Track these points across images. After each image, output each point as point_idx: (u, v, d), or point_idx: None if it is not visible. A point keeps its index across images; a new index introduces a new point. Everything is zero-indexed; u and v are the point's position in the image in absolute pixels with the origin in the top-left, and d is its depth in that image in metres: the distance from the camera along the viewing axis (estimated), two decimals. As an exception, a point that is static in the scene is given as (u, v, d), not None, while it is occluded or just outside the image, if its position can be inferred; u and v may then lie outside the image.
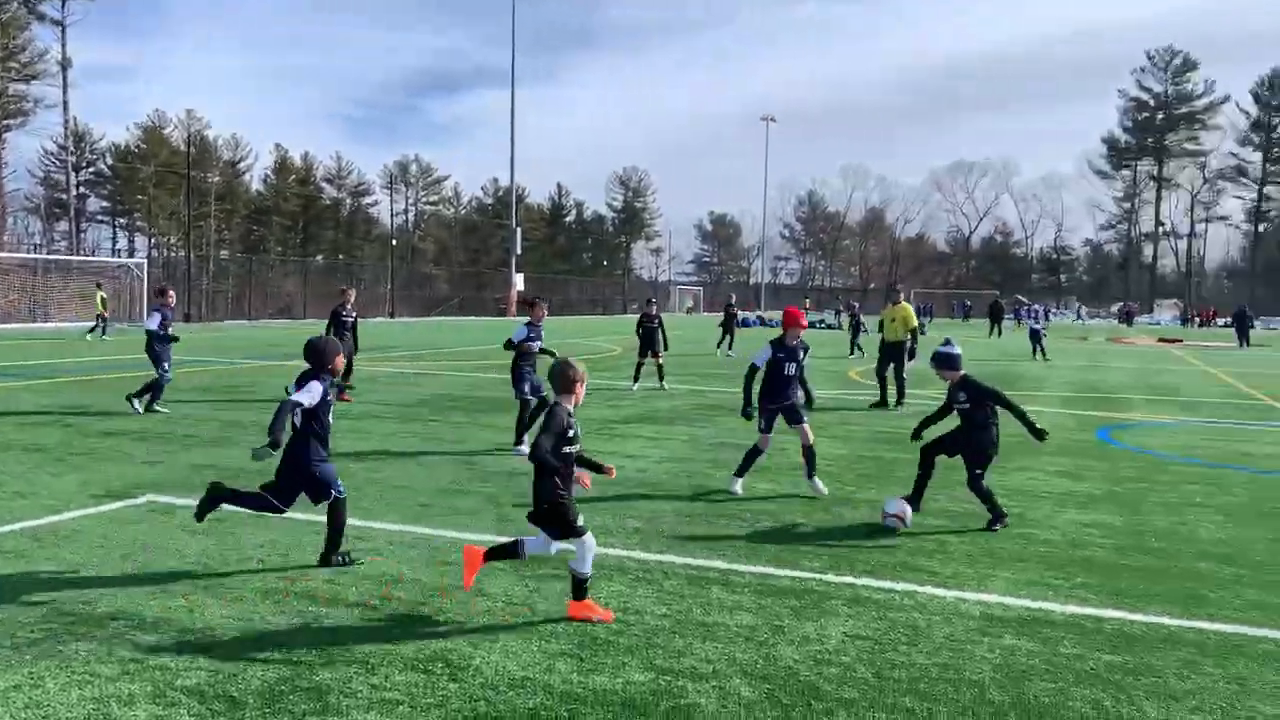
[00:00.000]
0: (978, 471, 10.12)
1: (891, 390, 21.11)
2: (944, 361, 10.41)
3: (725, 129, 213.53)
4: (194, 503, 10.04)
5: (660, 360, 24.04)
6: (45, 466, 12.03)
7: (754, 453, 11.38)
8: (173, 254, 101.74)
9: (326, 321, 20.37)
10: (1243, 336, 57.55)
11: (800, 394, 11.44)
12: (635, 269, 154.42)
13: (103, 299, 44.58)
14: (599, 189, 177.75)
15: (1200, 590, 8.26)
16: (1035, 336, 38.94)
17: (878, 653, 6.63)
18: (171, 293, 18.31)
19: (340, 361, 8.13)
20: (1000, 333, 62.76)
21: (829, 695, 5.95)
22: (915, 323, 21.29)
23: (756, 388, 11.22)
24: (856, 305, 42.89)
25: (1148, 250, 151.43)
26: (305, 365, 8.08)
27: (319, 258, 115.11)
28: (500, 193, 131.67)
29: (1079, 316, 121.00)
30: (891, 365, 21.15)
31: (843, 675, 6.24)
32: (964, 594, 7.96)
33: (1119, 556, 9.21)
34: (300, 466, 7.91)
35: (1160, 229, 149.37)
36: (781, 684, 6.08)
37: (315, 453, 7.95)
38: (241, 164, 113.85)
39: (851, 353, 37.98)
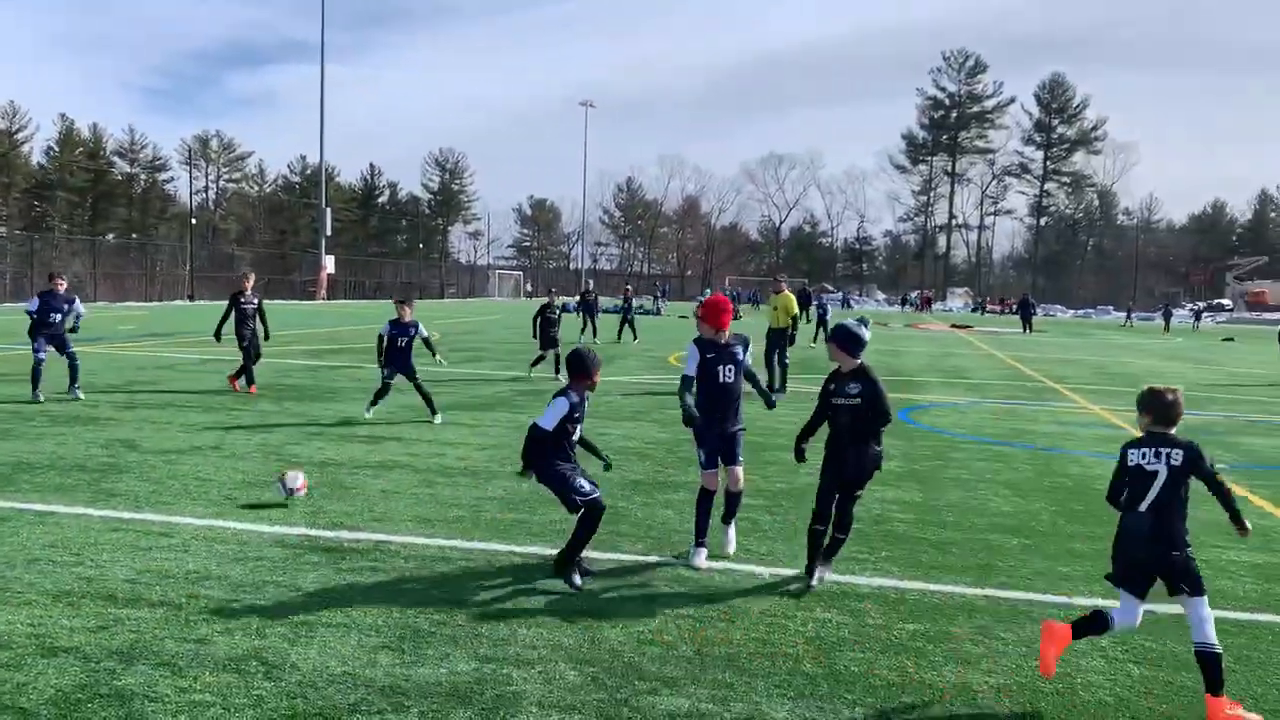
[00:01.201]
0: (859, 494, 8.02)
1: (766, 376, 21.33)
2: (847, 340, 7.90)
3: (545, 113, 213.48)
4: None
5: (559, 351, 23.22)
6: None
7: (705, 500, 8.59)
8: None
9: (225, 308, 19.46)
10: (1026, 323, 62.46)
11: (741, 415, 8.69)
12: (454, 252, 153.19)
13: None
14: (414, 170, 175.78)
15: (992, 560, 8.81)
16: (823, 320, 40.58)
17: (698, 630, 6.81)
18: None
19: (598, 377, 8.18)
20: (808, 319, 64.79)
21: (651, 674, 6.07)
22: (796, 310, 21.88)
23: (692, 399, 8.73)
24: (590, 284, 43.37)
25: (941, 241, 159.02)
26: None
27: (110, 236, 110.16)
28: (309, 171, 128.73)
29: (885, 303, 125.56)
30: (775, 352, 21.55)
31: (665, 654, 6.38)
32: (780, 570, 8.22)
33: (919, 530, 9.74)
34: (551, 478, 7.83)
35: (953, 221, 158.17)
36: (606, 666, 6.16)
37: (560, 463, 7.85)
38: (20, 134, 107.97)
39: (619, 336, 38.03)
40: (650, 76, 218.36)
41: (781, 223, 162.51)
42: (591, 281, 48.98)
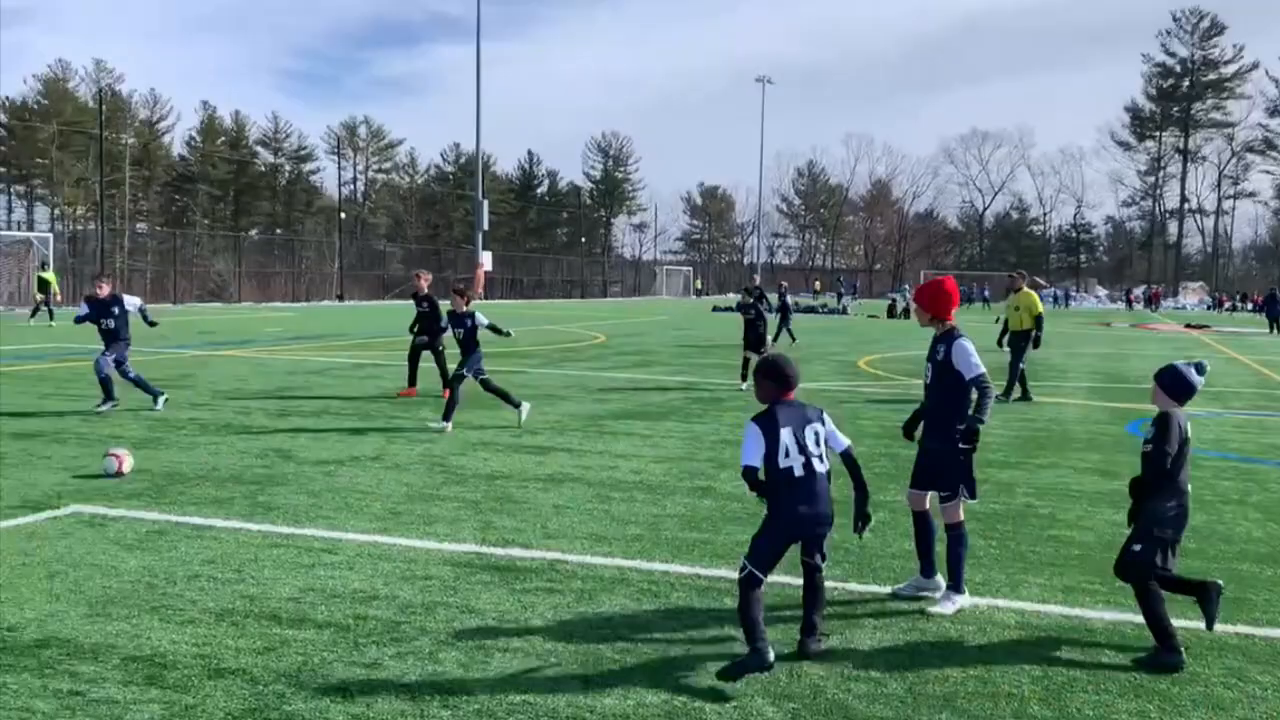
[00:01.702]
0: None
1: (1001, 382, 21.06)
2: (1176, 385, 7.22)
3: (716, 91, 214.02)
4: (129, 513, 10.09)
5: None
6: None
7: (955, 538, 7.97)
8: (81, 227, 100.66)
9: (415, 317, 20.50)
10: (1274, 321, 58.92)
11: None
12: (617, 247, 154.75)
13: (41, 279, 44.37)
14: (575, 158, 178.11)
15: (1243, 593, 8.47)
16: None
17: (909, 667, 6.73)
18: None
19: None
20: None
21: (859, 714, 6.02)
22: (1041, 309, 21.40)
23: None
24: (784, 285, 43.17)
25: (1172, 228, 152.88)
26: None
27: (253, 232, 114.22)
28: (463, 160, 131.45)
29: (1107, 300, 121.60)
30: (1016, 358, 21.34)
31: (873, 692, 6.33)
32: (997, 602, 8.08)
33: (1168, 559, 9.34)
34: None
35: (1185, 206, 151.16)
36: (807, 703, 6.14)
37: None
38: (160, 124, 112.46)
39: (775, 338, 37.70)
40: (834, 46, 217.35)
41: (985, 208, 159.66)
42: (785, 283, 48.42)
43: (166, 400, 17.49)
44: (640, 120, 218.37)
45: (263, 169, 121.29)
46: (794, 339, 37.67)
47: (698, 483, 12.08)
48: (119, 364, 17.43)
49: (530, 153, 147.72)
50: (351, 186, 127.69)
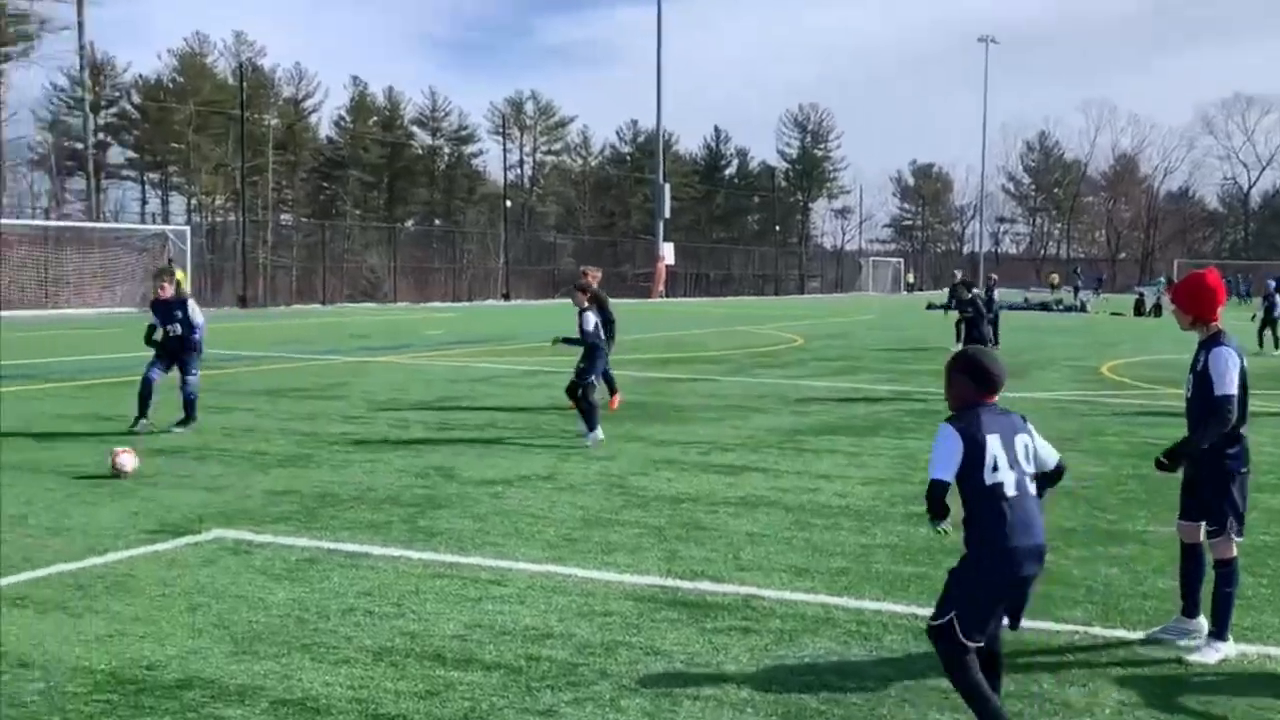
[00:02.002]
0: None
1: None
2: None
3: (930, 54, 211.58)
4: (277, 539, 10.40)
5: None
6: (82, 494, 12.42)
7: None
8: (220, 219, 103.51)
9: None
10: None
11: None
12: (816, 235, 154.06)
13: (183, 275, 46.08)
14: (767, 134, 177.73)
15: None
16: (1272, 319, 37.22)
17: (1171, 729, 6.55)
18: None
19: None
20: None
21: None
22: None
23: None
24: (994, 278, 41.64)
25: None
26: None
27: (409, 223, 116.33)
28: (642, 139, 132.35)
29: None
30: None
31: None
32: (1269, 650, 7.85)
33: None
34: None
35: None
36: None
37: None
38: (307, 102, 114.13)
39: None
40: (1067, 3, 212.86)
41: (1251, 186, 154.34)
42: (995, 276, 47.28)
43: (186, 429, 17.11)
44: (842, 91, 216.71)
45: (419, 152, 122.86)
46: (997, 342, 37.14)
47: (912, 508, 11.94)
48: (186, 374, 17.38)
49: (717, 129, 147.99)
50: (518, 170, 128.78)
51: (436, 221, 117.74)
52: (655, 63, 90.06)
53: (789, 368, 28.49)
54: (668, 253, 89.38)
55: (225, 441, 16.04)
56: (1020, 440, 6.08)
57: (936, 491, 5.96)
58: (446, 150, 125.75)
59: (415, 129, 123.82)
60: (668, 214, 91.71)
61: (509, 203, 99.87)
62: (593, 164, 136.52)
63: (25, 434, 16.53)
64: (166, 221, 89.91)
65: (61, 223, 76.17)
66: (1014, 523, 5.86)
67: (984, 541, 5.91)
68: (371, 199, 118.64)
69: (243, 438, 16.38)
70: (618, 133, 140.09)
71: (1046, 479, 6.26)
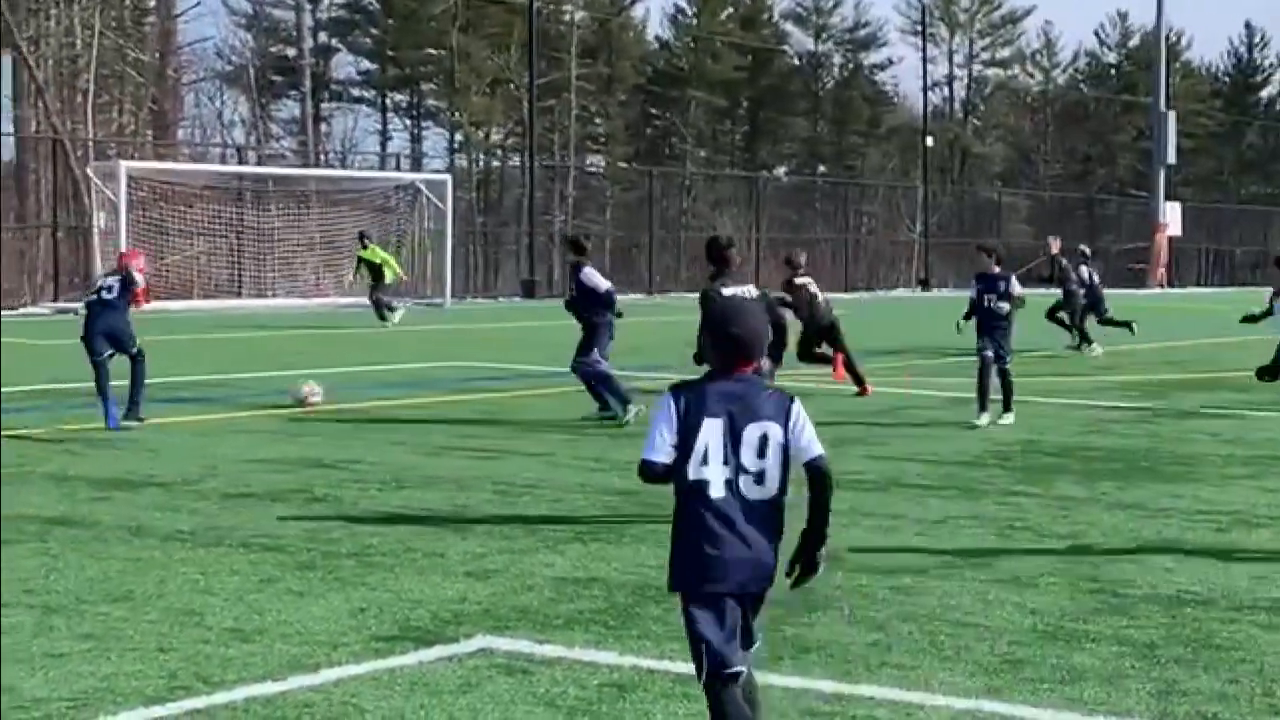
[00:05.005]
0: None
1: None
2: None
3: None
4: (572, 652, 10.59)
5: None
6: (284, 579, 12.78)
7: None
8: (497, 163, 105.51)
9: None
10: None
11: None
12: None
13: (381, 257, 47.41)
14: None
15: None
16: None
17: None
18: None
19: None
20: None
21: None
22: None
23: None
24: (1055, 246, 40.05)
25: None
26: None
27: (780, 170, 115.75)
28: (1133, 43, 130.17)
29: None
30: None
31: None
32: None
33: None
34: None
35: None
36: None
37: None
38: None
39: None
40: None
41: None
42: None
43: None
44: None
45: (795, 62, 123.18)
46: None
47: None
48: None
49: (1248, 27, 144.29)
50: (944, 91, 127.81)
51: (821, 169, 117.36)
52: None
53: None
54: (1172, 218, 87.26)
55: (495, 500, 16.61)
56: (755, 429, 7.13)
57: (644, 475, 7.31)
58: (836, 60, 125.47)
59: (790, 27, 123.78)
60: (1172, 158, 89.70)
61: (931, 140, 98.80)
62: (1059, 81, 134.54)
63: (200, 487, 17.41)
64: (418, 167, 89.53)
65: (264, 169, 78.75)
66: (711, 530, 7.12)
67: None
68: (722, 134, 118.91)
69: (522, 496, 16.87)
70: (1096, 33, 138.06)
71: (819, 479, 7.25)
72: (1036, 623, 11.46)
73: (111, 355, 22.88)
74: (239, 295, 60.71)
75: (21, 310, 59.41)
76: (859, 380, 27.63)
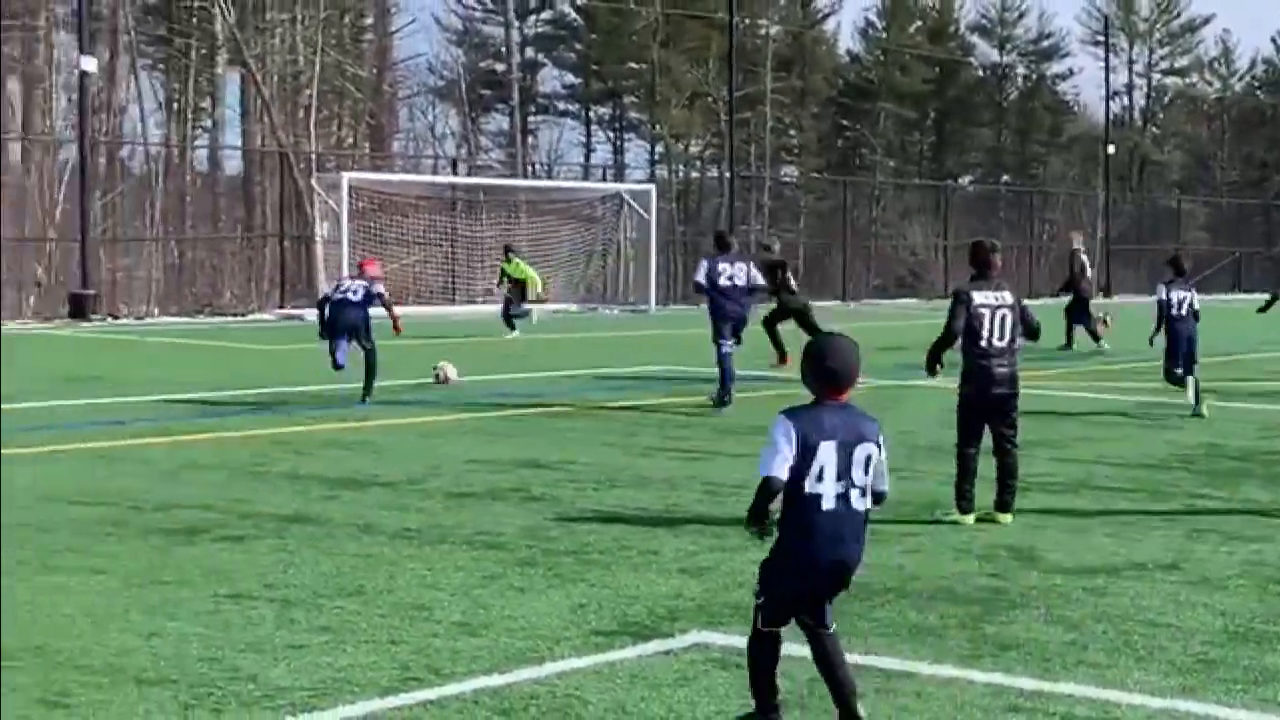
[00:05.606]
0: None
1: None
2: None
3: None
4: (783, 648, 10.59)
5: None
6: (507, 575, 12.93)
7: None
8: (696, 174, 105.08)
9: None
10: None
11: None
12: None
13: (524, 271, 47.63)
14: None
15: None
16: None
17: None
18: None
19: None
20: None
21: None
22: None
23: None
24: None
25: None
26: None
27: (965, 180, 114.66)
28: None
29: None
30: None
31: None
32: None
33: None
34: None
35: None
36: None
37: None
38: (816, 5, 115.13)
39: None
40: None
41: None
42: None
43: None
44: None
45: (980, 73, 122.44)
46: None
47: None
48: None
49: None
50: (1123, 100, 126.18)
51: (1004, 177, 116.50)
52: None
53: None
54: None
55: (705, 500, 16.74)
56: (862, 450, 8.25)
57: (766, 491, 8.17)
58: (1020, 71, 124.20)
59: (975, 39, 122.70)
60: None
61: (1111, 148, 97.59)
62: (1236, 88, 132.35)
63: (425, 486, 17.73)
64: (620, 178, 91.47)
65: (475, 179, 79.88)
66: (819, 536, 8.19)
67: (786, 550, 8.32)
68: (910, 145, 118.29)
69: (730, 496, 16.86)
70: (1274, 40, 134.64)
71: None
72: (1227, 624, 11.38)
73: (350, 342, 25.86)
74: (452, 302, 61.07)
75: (250, 317, 60.51)
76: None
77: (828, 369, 8.29)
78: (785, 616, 8.45)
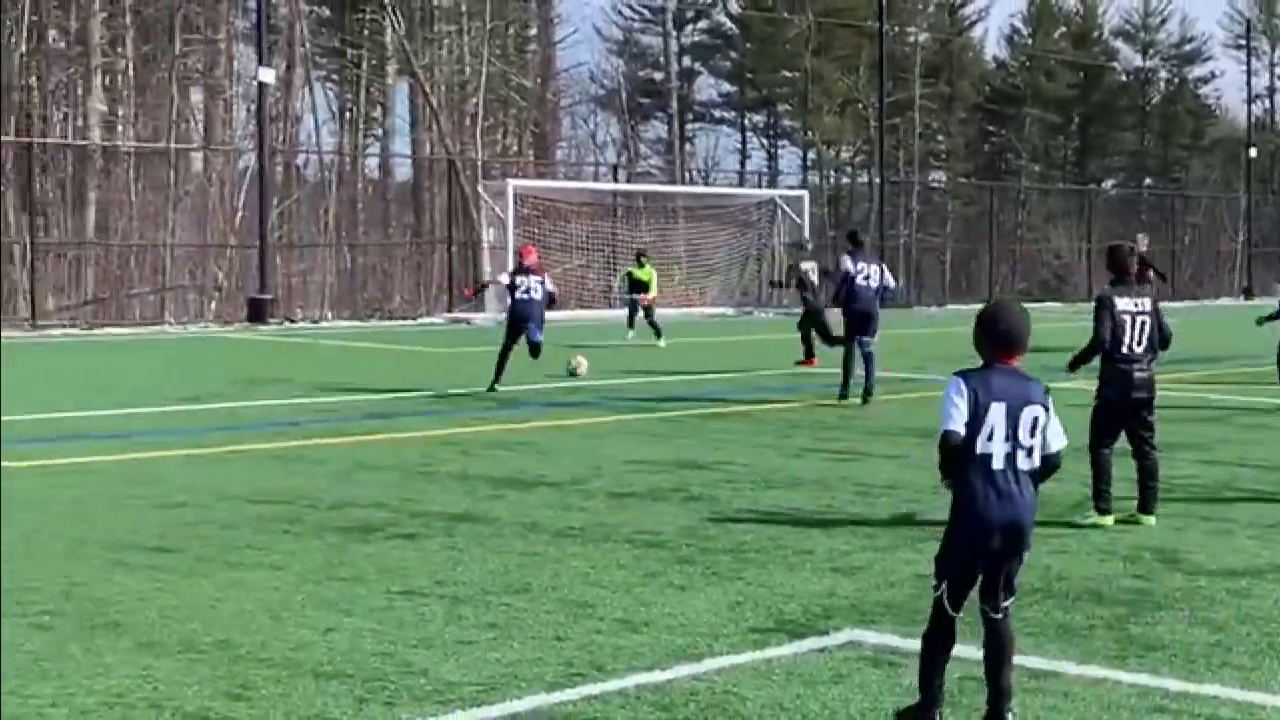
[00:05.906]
0: None
1: None
2: None
3: None
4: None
5: None
6: (666, 573, 13.03)
7: None
8: (848, 179, 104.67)
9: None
10: None
11: None
12: None
13: (652, 277, 47.34)
14: None
15: None
16: None
17: None
18: None
19: None
20: None
21: None
22: None
23: None
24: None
25: None
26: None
27: (1108, 184, 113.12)
28: None
29: None
30: None
31: None
32: None
33: None
34: None
35: None
36: None
37: None
38: (967, 9, 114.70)
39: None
40: None
41: None
42: None
43: None
44: None
45: (1123, 78, 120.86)
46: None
47: None
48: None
49: None
50: (1265, 103, 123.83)
51: (1147, 181, 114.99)
52: None
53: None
54: None
55: (856, 500, 16.83)
56: (1029, 412, 8.36)
57: (947, 443, 8.40)
58: (1163, 75, 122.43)
59: (1119, 44, 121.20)
60: None
61: (1254, 151, 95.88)
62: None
63: (587, 486, 17.92)
64: (774, 184, 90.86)
65: (635, 186, 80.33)
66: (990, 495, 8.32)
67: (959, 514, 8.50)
68: (1054, 149, 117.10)
69: (881, 497, 17.03)
70: None
71: (1044, 464, 8.51)
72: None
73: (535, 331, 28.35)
74: (611, 306, 61.26)
75: (419, 320, 61.24)
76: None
77: (1000, 331, 8.48)
78: (964, 590, 8.57)
